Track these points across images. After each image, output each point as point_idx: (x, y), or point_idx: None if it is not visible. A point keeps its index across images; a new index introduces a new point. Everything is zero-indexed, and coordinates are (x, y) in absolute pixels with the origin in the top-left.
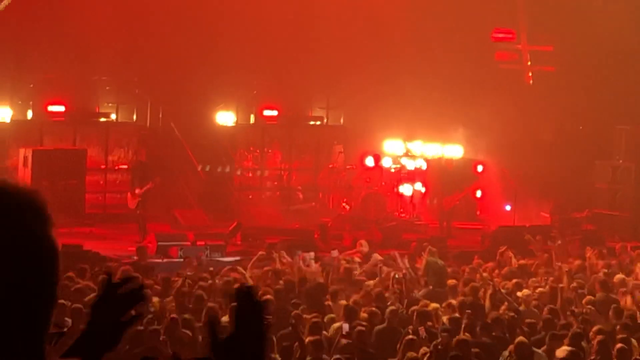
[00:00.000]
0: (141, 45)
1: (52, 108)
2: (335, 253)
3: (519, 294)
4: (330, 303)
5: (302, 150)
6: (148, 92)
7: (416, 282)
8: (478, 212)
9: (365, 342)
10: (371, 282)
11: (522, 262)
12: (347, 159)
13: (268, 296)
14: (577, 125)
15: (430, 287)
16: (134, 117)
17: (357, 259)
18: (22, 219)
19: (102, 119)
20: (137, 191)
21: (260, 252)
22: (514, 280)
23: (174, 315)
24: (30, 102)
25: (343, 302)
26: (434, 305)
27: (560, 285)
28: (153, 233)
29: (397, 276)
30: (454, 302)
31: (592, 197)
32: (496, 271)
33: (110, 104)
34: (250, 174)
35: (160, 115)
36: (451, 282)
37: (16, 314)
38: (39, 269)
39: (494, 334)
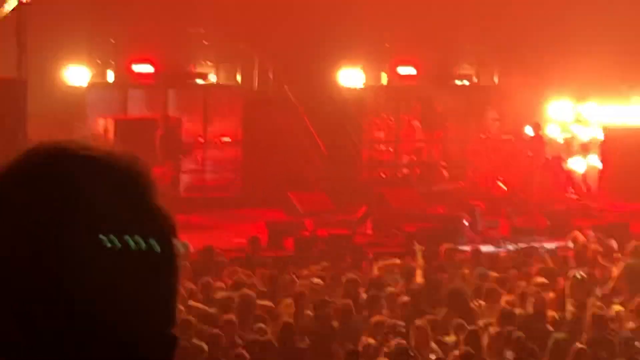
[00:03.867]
0: None
1: (138, 68)
2: None
3: None
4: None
5: (447, 118)
6: (256, 47)
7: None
8: None
9: None
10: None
11: None
12: (503, 127)
13: (404, 298)
14: None
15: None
16: (238, 78)
17: None
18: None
19: (199, 81)
20: (171, 166)
21: (394, 260)
22: None
23: (287, 319)
24: (112, 62)
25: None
26: (618, 307)
27: None
28: (264, 221)
29: (578, 275)
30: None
31: None
32: None
33: (209, 63)
34: (383, 148)
35: (271, 76)
36: None
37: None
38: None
39: None
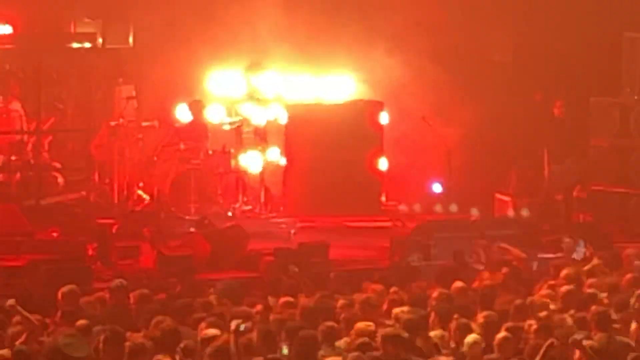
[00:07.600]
0: None
1: None
2: None
3: None
4: None
5: (61, 98)
6: None
7: None
8: (383, 197)
9: None
10: None
11: None
12: (143, 109)
13: None
14: (554, 35)
15: None
16: None
17: None
18: None
19: None
20: None
21: None
22: None
23: None
24: None
25: None
26: None
27: None
28: None
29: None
30: None
31: (586, 164)
32: None
33: None
34: None
35: None
36: None
37: None
38: None
39: None
